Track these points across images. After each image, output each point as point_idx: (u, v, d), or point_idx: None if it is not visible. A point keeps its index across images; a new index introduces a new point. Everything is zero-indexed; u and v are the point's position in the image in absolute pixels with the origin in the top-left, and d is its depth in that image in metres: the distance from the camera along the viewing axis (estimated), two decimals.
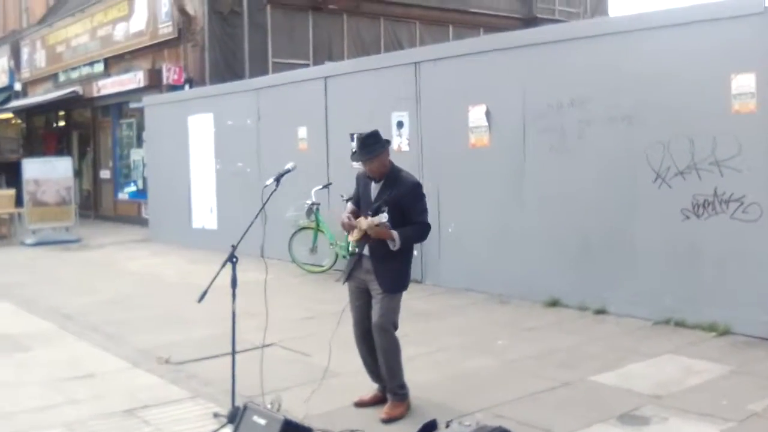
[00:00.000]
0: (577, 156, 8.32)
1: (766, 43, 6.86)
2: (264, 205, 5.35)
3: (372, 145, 5.31)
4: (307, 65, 17.76)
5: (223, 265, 5.14)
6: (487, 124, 9.24)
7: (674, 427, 5.01)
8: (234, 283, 5.16)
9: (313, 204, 11.08)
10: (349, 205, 5.66)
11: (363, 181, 5.51)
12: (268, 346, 6.44)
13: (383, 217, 5.05)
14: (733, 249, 7.13)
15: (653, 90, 7.63)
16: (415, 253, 5.73)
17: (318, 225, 11.22)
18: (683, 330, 7.33)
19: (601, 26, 9.24)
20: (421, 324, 6.20)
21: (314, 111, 11.87)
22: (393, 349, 5.36)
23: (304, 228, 11.36)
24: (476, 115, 9.34)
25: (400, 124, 10.40)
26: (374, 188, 5.40)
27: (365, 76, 11.16)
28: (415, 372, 5.61)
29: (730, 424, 5.01)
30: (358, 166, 5.95)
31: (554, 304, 8.53)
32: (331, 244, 11.05)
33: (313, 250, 11.38)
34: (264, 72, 17.01)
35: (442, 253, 9.92)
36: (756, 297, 6.96)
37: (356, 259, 5.45)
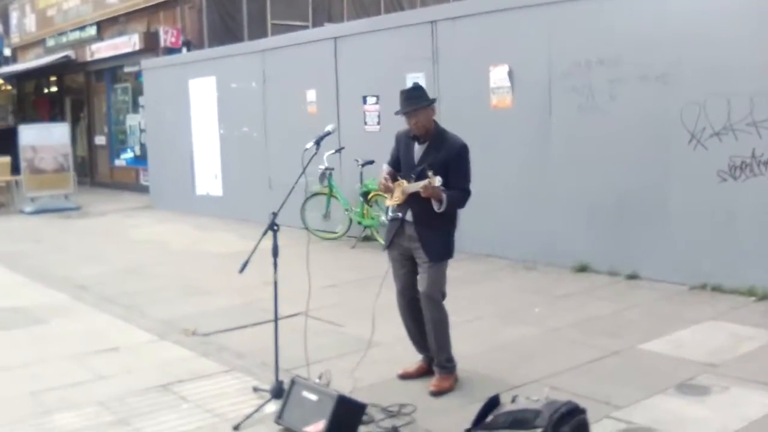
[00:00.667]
0: (608, 116, 8.06)
1: None
2: (305, 170, 5.07)
3: (417, 98, 5.03)
4: (307, 27, 17.38)
5: (264, 233, 4.87)
6: (509, 84, 8.95)
7: (738, 396, 4.81)
8: (275, 251, 4.88)
9: (326, 169, 10.80)
10: (386, 167, 5.36)
11: (404, 141, 5.22)
12: (294, 315, 6.23)
13: (438, 180, 4.77)
14: None
15: (688, 49, 7.35)
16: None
17: (331, 190, 10.95)
18: (721, 295, 7.15)
19: None
20: (451, 291, 5.94)
21: (324, 73, 11.53)
22: (443, 320, 5.14)
23: (316, 194, 11.08)
24: (498, 75, 9.05)
25: None
26: (418, 150, 5.12)
27: (378, 36, 10.81)
28: (456, 342, 5.39)
29: None
30: (392, 125, 5.63)
31: (583, 269, 8.33)
32: (346, 210, 10.80)
33: (326, 216, 11.13)
34: (263, 34, 16.61)
35: (463, 218, 9.65)
36: None
37: (398, 225, 5.18)
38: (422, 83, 9.89)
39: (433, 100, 5.14)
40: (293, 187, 5.12)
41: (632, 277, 7.91)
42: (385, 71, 10.39)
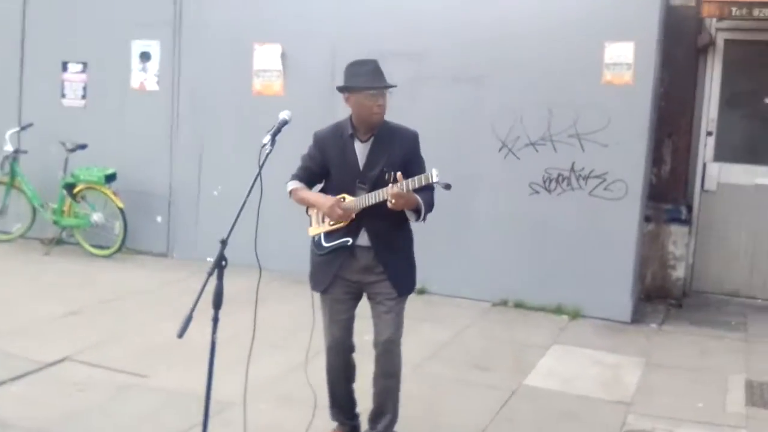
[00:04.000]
0: (408, 117, 7.19)
1: (645, 9, 6.50)
2: (261, 170, 3.45)
3: (384, 75, 3.72)
4: None
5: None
6: (281, 68, 7.67)
7: None
8: None
9: (13, 152, 8.34)
10: (295, 184, 3.97)
11: (335, 143, 3.84)
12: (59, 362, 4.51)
13: (430, 175, 3.47)
14: (590, 228, 6.74)
15: (509, 51, 6.88)
16: None
17: (13, 179, 8.48)
18: (530, 312, 6.81)
19: None
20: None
21: (4, 33, 8.91)
22: (399, 375, 3.90)
23: None
24: (266, 55, 7.70)
25: (145, 56, 8.23)
26: (361, 150, 3.79)
27: None
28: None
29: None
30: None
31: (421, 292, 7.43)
32: (39, 205, 8.42)
33: (2, 211, 8.62)
34: None
35: (201, 221, 8.13)
36: (614, 278, 6.66)
37: (345, 255, 3.81)
38: (156, 54, 8.22)
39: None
40: (249, 193, 3.46)
41: (422, 292, 7.21)
42: (98, 33, 8.34)
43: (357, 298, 3.89)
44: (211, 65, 7.97)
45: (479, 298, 7.03)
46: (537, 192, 6.88)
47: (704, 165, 7.54)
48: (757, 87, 7.41)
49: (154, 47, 8.19)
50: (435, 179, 3.47)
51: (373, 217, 3.69)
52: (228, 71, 7.90)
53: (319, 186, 3.99)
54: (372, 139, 3.77)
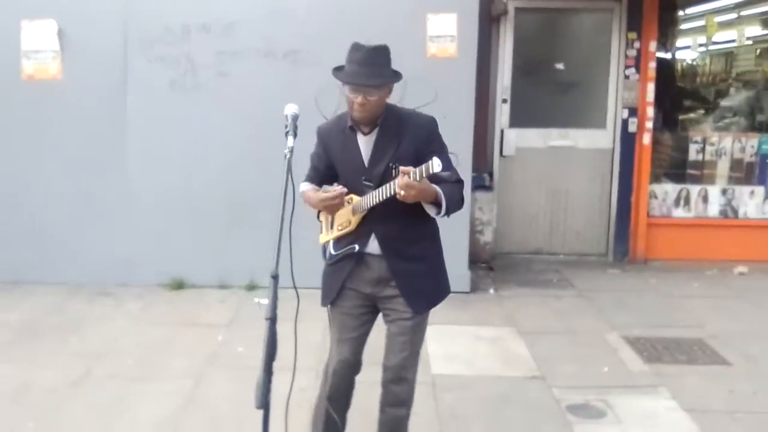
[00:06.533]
0: (217, 97, 6.54)
1: None
2: (290, 180, 2.79)
3: (382, 66, 3.17)
4: None
5: None
6: (58, 48, 6.48)
7: (634, 406, 4.45)
8: None
9: None
10: (307, 185, 3.41)
11: (338, 137, 3.30)
12: None
13: (437, 163, 2.86)
14: None
15: (328, 24, 6.46)
16: None
17: None
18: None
19: None
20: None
21: None
22: (411, 404, 3.42)
23: None
24: (38, 33, 6.46)
25: None
26: (365, 143, 3.25)
27: None
28: None
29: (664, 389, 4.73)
30: None
31: (180, 286, 6.67)
32: None
33: None
34: None
35: None
36: (452, 249, 6.26)
37: (352, 263, 3.28)
38: None
39: (399, 75, 3.27)
40: (284, 198, 2.76)
41: (252, 287, 6.66)
42: None
43: (371, 314, 3.36)
44: None
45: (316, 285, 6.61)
46: None
47: (502, 131, 7.79)
48: (547, 54, 7.80)
49: None
50: (437, 168, 3.00)
51: (382, 219, 3.19)
52: None
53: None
54: (377, 130, 3.24)
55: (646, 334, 5.64)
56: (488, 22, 7.51)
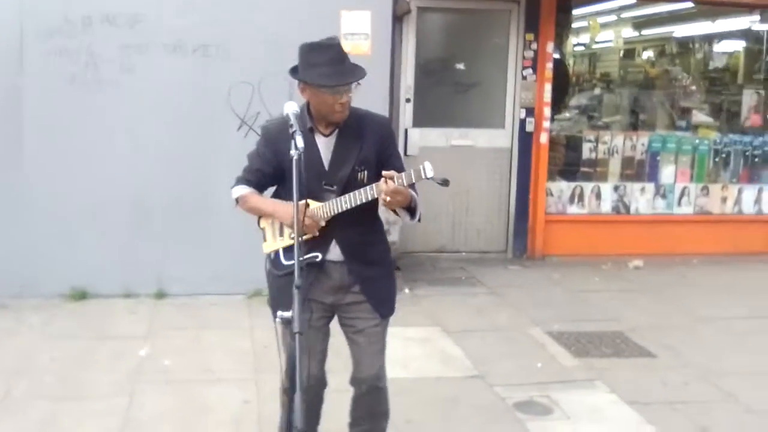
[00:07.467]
0: (122, 93, 6.18)
1: None
2: (300, 181, 2.67)
3: (348, 60, 3.07)
4: None
5: None
6: None
7: (574, 402, 4.58)
8: None
9: None
10: (244, 189, 3.24)
11: (288, 140, 3.05)
12: None
13: (429, 168, 2.89)
14: None
15: (239, 18, 6.25)
16: None
17: None
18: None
19: None
20: None
21: None
22: (389, 414, 3.36)
23: None
24: None
25: None
26: (324, 145, 3.13)
27: None
28: None
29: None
30: None
31: (83, 296, 6.26)
32: None
33: None
34: None
35: None
36: None
37: (315, 271, 3.11)
38: None
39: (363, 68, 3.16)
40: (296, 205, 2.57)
41: (161, 295, 6.36)
42: None
43: (328, 325, 3.27)
44: None
45: (232, 291, 6.40)
46: None
47: (406, 131, 7.80)
48: (448, 54, 7.89)
49: None
50: (429, 174, 2.97)
51: (344, 225, 3.08)
52: None
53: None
54: (336, 132, 3.12)
55: (567, 328, 5.82)
56: (393, 21, 7.49)
